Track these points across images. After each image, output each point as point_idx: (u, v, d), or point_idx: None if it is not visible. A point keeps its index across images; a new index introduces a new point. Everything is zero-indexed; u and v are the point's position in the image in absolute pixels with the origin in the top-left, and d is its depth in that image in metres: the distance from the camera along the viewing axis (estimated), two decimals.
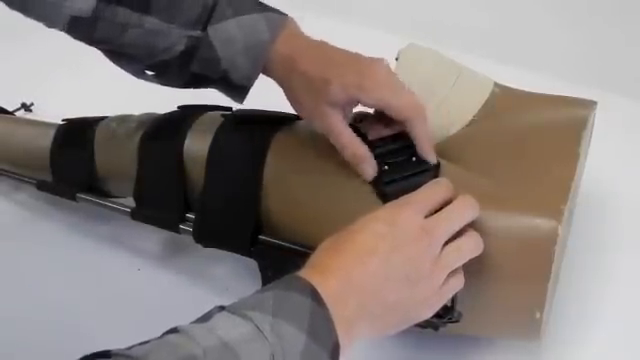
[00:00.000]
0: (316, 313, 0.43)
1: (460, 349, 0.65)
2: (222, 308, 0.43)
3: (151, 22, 0.60)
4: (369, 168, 0.58)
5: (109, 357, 0.38)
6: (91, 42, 0.63)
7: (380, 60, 0.58)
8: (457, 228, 0.50)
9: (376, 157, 0.58)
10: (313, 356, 0.42)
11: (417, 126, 0.57)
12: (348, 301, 0.45)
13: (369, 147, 0.58)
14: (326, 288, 0.44)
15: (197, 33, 0.60)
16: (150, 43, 0.61)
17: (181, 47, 0.61)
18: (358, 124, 0.61)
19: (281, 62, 0.60)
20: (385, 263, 0.46)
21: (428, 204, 0.50)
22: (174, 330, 0.41)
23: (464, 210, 0.51)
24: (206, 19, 0.60)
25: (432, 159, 0.58)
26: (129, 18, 0.60)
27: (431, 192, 0.51)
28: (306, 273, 0.46)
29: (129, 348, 0.39)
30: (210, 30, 0.60)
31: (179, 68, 0.63)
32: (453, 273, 0.50)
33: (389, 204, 0.51)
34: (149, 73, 0.65)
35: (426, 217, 0.49)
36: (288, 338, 0.41)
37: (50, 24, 0.61)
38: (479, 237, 0.51)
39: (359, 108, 0.60)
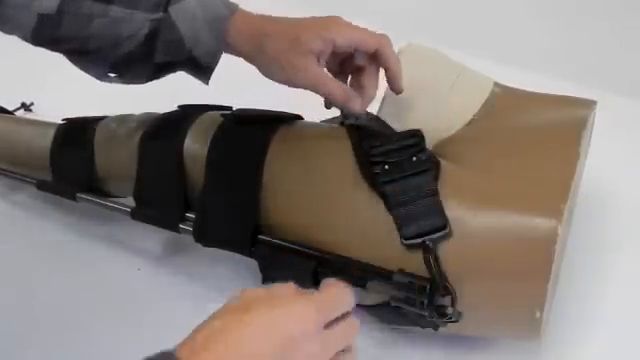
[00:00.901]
0: None
1: (460, 349, 0.65)
2: None
3: (115, 10, 0.61)
4: (355, 105, 0.61)
5: None
6: (56, 42, 0.64)
7: (335, 16, 0.61)
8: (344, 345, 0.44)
9: (376, 156, 0.58)
10: None
11: (388, 52, 0.60)
12: None
13: (369, 147, 0.59)
14: None
15: (159, 15, 0.62)
16: (115, 32, 0.62)
17: (145, 31, 0.62)
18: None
19: (246, 34, 0.62)
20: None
21: (331, 311, 0.44)
22: None
23: (353, 328, 0.45)
24: (166, 1, 0.62)
25: (400, 87, 0.61)
26: (93, 9, 0.61)
27: (333, 297, 0.45)
28: (180, 348, 0.40)
29: None
30: (171, 10, 0.62)
31: (143, 61, 0.64)
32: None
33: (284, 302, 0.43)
34: (112, 75, 0.66)
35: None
36: None
37: (14, 28, 0.63)
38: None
39: None
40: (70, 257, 0.82)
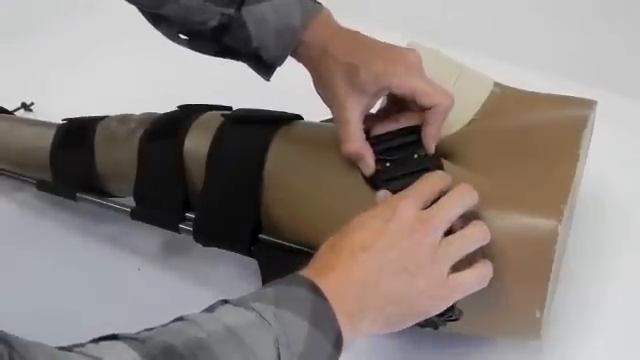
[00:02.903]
0: (317, 304, 0.44)
1: (460, 349, 0.65)
2: (225, 301, 0.44)
3: None
4: (367, 168, 0.58)
5: (117, 339, 0.39)
6: (134, 1, 0.63)
7: (412, 50, 0.59)
8: (454, 216, 0.50)
9: (378, 153, 0.58)
10: (316, 344, 0.43)
11: (437, 118, 0.57)
12: (347, 296, 0.46)
13: (371, 144, 0.59)
14: (324, 284, 0.45)
15: (231, 12, 0.61)
16: (185, 16, 0.61)
17: (214, 22, 0.61)
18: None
19: (312, 48, 0.60)
20: (382, 258, 0.47)
21: (424, 196, 0.50)
22: (179, 318, 0.42)
23: (460, 198, 0.51)
24: (241, 0, 0.61)
25: (431, 150, 0.59)
26: None
27: (426, 184, 0.52)
28: (305, 272, 0.47)
29: (136, 333, 0.40)
30: (244, 11, 0.61)
31: (212, 39, 0.63)
32: (469, 269, 0.50)
33: (385, 200, 0.52)
34: (183, 37, 0.65)
35: (424, 209, 0.50)
36: (291, 325, 0.42)
37: None
38: (484, 226, 0.51)
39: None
40: (70, 257, 0.82)
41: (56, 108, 0.97)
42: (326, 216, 0.60)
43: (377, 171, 0.58)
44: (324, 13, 0.62)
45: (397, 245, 0.47)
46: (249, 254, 0.65)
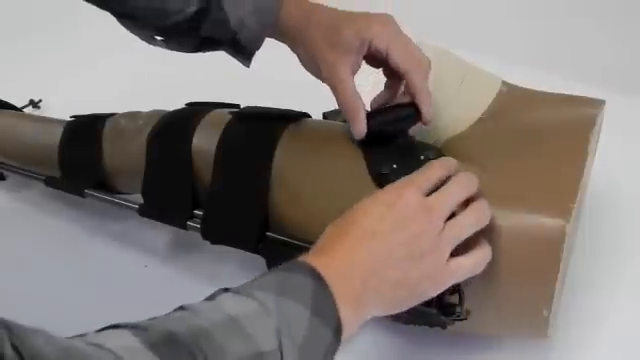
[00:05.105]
0: (318, 292, 0.44)
1: (468, 348, 0.65)
2: (226, 290, 0.45)
3: None
4: (359, 124, 0.59)
5: (118, 327, 0.40)
6: (104, 5, 0.64)
7: (389, 14, 0.60)
8: (456, 202, 0.51)
9: (375, 126, 0.59)
10: (317, 332, 0.43)
11: (415, 79, 0.58)
12: (352, 280, 0.46)
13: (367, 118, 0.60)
14: (328, 269, 0.46)
15: None
16: (161, 6, 0.62)
17: (193, 8, 0.62)
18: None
19: (293, 23, 0.62)
20: (387, 243, 0.48)
21: (427, 183, 0.51)
22: (180, 308, 0.43)
23: (462, 185, 0.52)
24: None
25: (429, 115, 0.59)
26: None
27: (430, 171, 0.52)
28: (309, 257, 0.47)
29: (138, 322, 0.41)
30: None
31: (188, 32, 0.64)
32: (465, 253, 0.50)
33: (389, 186, 0.52)
34: (158, 38, 0.66)
35: (427, 195, 0.50)
36: (292, 315, 0.43)
37: None
38: (483, 208, 0.51)
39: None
40: (77, 253, 0.82)
41: (64, 105, 0.98)
42: (334, 214, 0.59)
43: (384, 174, 0.58)
44: None
45: (402, 230, 0.48)
46: (257, 252, 0.65)
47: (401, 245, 0.48)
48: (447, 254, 0.49)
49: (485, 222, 0.52)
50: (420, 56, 0.59)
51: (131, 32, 0.66)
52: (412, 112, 0.59)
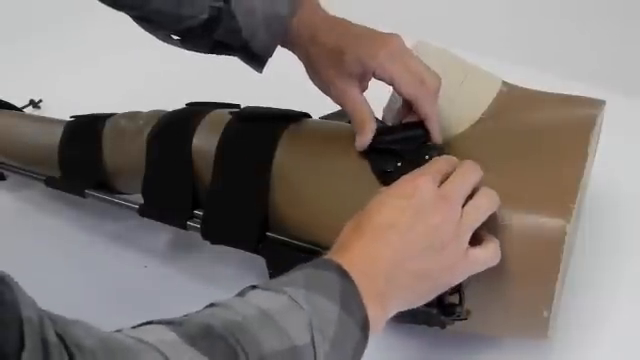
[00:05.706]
0: (345, 288, 0.44)
1: (468, 348, 0.65)
2: (254, 287, 0.44)
3: None
4: (364, 137, 0.59)
5: (152, 323, 0.40)
6: (117, 6, 0.64)
7: (396, 35, 0.59)
8: (470, 187, 0.51)
9: (388, 154, 0.59)
10: (345, 327, 0.43)
11: (423, 106, 0.58)
12: (376, 276, 0.46)
13: (379, 146, 0.59)
14: (353, 266, 0.45)
15: (220, 4, 0.62)
16: (175, 11, 0.62)
17: (205, 16, 0.62)
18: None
19: (301, 36, 0.62)
20: (408, 235, 0.48)
21: (439, 173, 0.51)
22: (211, 305, 0.43)
23: (470, 172, 0.52)
24: None
25: (438, 140, 0.59)
26: None
27: (437, 164, 0.53)
28: (332, 254, 0.47)
29: (170, 318, 0.41)
30: (233, 2, 0.62)
31: (203, 35, 0.64)
32: (483, 245, 0.51)
33: (401, 179, 0.52)
34: (175, 38, 0.66)
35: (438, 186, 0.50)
36: (322, 308, 0.43)
37: None
38: (491, 192, 0.52)
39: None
40: (77, 253, 0.82)
41: (64, 105, 0.98)
42: (335, 214, 0.59)
43: (388, 172, 0.58)
44: (310, 1, 0.63)
45: (422, 222, 0.48)
46: (257, 252, 0.65)
47: (423, 236, 0.48)
48: (466, 243, 0.49)
49: (497, 205, 0.52)
50: (427, 79, 0.58)
51: (148, 32, 0.66)
52: (422, 134, 0.59)
